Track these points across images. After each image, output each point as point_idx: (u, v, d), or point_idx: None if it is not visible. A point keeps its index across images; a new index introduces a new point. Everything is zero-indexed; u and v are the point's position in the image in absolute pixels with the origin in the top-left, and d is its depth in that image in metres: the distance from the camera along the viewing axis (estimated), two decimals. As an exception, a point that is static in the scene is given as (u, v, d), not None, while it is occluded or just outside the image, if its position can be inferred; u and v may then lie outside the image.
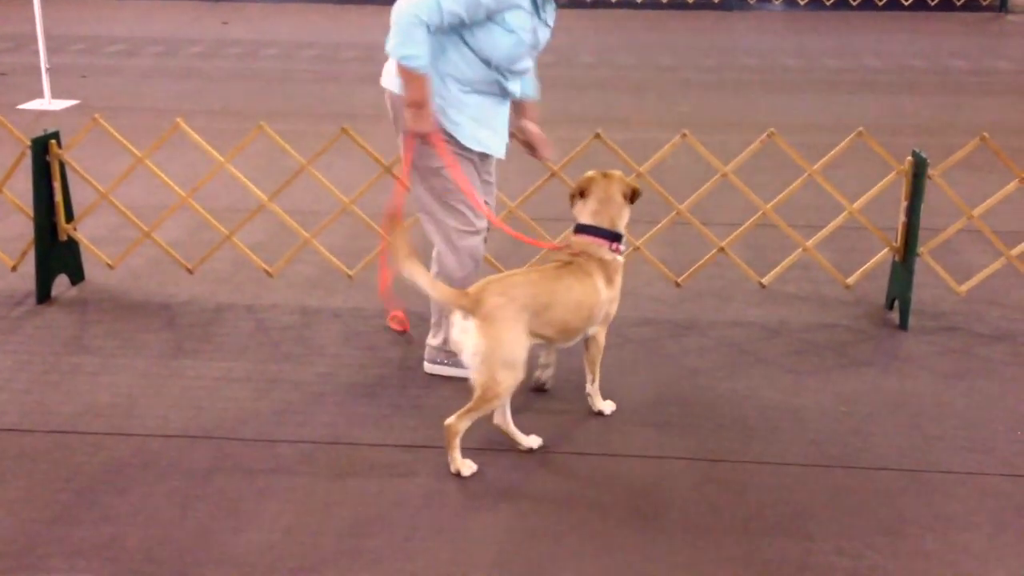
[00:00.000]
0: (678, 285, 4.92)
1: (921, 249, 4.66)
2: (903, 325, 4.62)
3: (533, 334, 3.47)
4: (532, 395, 3.91)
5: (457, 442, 3.40)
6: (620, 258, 3.74)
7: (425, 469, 3.46)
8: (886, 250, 4.78)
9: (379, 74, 3.92)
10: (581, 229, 3.73)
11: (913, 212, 4.55)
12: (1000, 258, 4.80)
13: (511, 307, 3.38)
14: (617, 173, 3.81)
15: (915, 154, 4.55)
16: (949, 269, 4.89)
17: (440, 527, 3.15)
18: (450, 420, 3.39)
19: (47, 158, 4.73)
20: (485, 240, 4.05)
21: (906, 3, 16.53)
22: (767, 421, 3.82)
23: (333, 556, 3.01)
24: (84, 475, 3.39)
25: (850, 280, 4.86)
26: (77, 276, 5.02)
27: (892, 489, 3.39)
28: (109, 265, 5.00)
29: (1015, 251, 4.76)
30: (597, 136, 4.74)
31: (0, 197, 5.01)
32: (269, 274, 4.95)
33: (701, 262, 4.89)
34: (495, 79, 3.81)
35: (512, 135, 4.06)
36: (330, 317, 4.69)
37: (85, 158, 5.21)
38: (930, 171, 4.53)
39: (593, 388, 3.82)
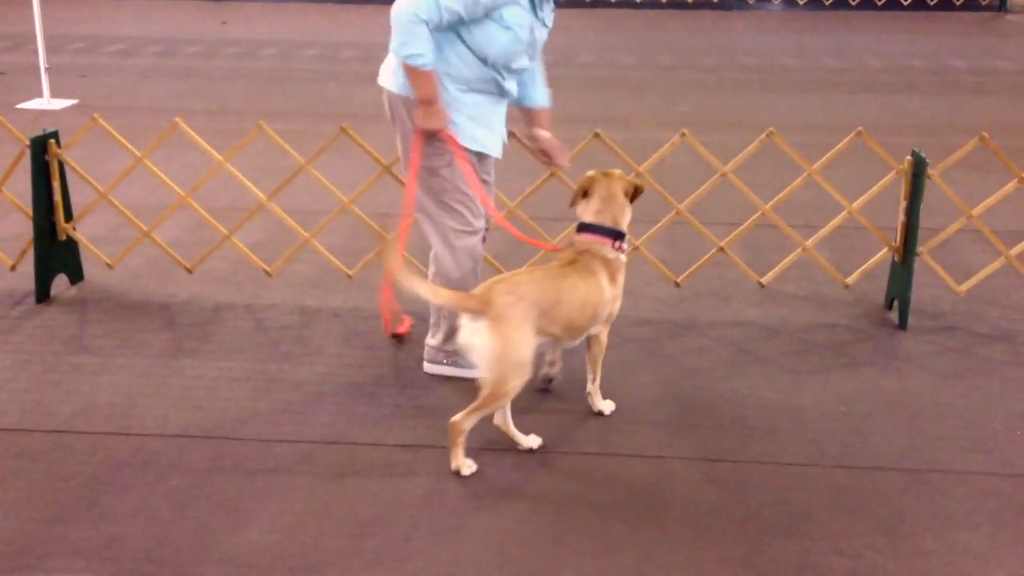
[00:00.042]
0: (677, 285, 4.92)
1: (920, 249, 4.66)
2: (902, 325, 4.62)
3: (539, 332, 3.48)
4: (532, 395, 3.91)
5: (461, 440, 3.40)
6: (623, 257, 3.75)
7: (425, 469, 3.46)
8: (885, 250, 4.78)
9: (378, 74, 3.92)
10: (584, 228, 3.74)
11: (912, 212, 4.55)
12: (999, 258, 4.80)
13: (520, 306, 3.38)
14: (618, 172, 3.82)
15: (914, 154, 4.55)
16: (948, 269, 4.89)
17: (440, 527, 3.15)
18: (456, 418, 3.38)
19: (46, 157, 4.73)
20: (484, 239, 4.05)
21: (905, 3, 16.53)
22: (767, 421, 3.82)
23: (332, 556, 3.01)
24: (83, 475, 3.39)
25: (849, 280, 4.86)
26: (76, 276, 5.02)
27: (892, 489, 3.39)
28: (108, 265, 5.00)
29: (1014, 251, 4.76)
30: (596, 136, 4.73)
31: (-1, 196, 5.01)
32: (268, 274, 4.95)
33: (700, 262, 4.89)
34: (492, 77, 3.81)
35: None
36: (329, 317, 4.69)
37: (84, 158, 5.21)
38: (929, 171, 4.53)
39: (594, 387, 3.82)
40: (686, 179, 5.83)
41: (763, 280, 4.91)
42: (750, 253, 5.32)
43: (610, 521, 3.19)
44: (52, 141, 4.73)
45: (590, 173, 3.80)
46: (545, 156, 4.11)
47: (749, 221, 4.87)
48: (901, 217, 4.65)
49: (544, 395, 3.94)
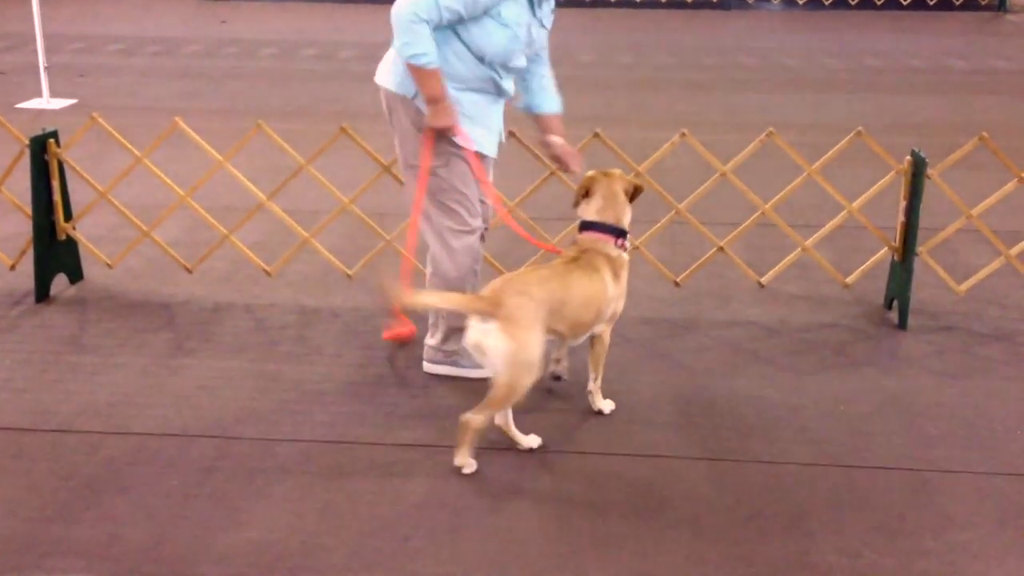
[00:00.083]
0: (677, 284, 4.92)
1: (920, 249, 4.66)
2: (902, 324, 4.62)
3: (547, 330, 3.48)
4: (532, 395, 3.90)
5: (470, 438, 3.39)
6: (625, 255, 3.76)
7: (425, 469, 3.46)
8: (885, 249, 4.78)
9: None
10: (587, 226, 3.75)
11: (912, 212, 4.55)
12: (999, 258, 4.80)
13: (531, 305, 3.38)
14: (618, 171, 3.83)
15: (914, 154, 4.55)
16: (948, 269, 4.89)
17: (440, 527, 3.15)
18: (467, 416, 3.37)
19: (45, 157, 4.73)
20: (483, 239, 4.05)
21: (905, 3, 16.54)
22: (766, 420, 3.82)
23: (332, 556, 3.00)
24: (83, 474, 3.39)
25: (849, 279, 4.86)
26: (76, 275, 5.02)
27: (891, 488, 3.39)
28: (108, 264, 4.99)
29: (1014, 251, 4.76)
30: (596, 136, 4.73)
31: (-1, 196, 5.01)
32: (268, 273, 4.95)
33: (700, 261, 4.89)
34: (489, 76, 3.81)
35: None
36: (329, 316, 4.69)
37: (84, 157, 5.21)
38: (929, 171, 4.53)
39: (595, 386, 3.82)
40: (686, 179, 5.83)
41: (763, 280, 4.91)
42: (750, 253, 5.32)
43: (610, 521, 3.19)
44: (51, 141, 4.73)
45: (591, 173, 3.82)
46: (559, 162, 4.13)
47: (749, 221, 4.87)
48: (901, 217, 4.65)
49: (543, 395, 3.94)
